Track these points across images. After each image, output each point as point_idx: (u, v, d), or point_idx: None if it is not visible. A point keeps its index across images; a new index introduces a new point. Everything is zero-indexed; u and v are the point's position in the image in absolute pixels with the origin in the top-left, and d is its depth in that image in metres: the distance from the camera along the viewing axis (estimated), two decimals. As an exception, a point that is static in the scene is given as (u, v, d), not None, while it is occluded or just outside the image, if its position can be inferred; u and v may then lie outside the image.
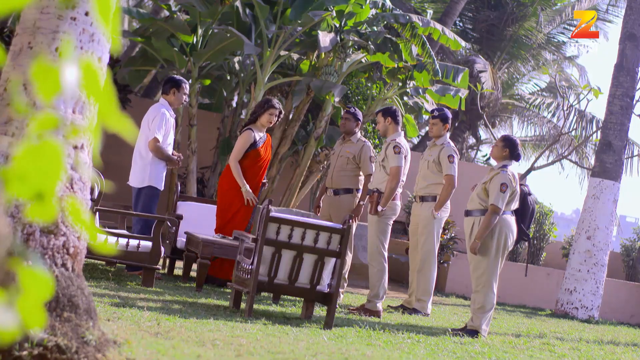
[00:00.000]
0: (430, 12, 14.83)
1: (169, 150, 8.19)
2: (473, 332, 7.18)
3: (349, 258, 8.46)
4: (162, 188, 8.25)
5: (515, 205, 7.32)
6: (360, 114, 8.73)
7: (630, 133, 13.16)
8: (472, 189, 7.67)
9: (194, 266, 8.27)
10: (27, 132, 3.76)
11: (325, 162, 12.64)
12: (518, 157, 7.41)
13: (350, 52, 12.42)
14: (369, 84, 13.09)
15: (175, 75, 8.69)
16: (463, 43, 12.34)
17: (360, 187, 8.38)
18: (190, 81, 11.80)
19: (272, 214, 6.45)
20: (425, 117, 13.30)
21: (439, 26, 12.05)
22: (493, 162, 8.36)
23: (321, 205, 8.69)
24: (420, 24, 11.76)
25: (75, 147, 3.90)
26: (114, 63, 12.22)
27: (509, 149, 7.35)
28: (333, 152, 8.71)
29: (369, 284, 7.94)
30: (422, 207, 8.53)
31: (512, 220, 7.28)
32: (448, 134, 8.71)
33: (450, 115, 8.77)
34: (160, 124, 7.98)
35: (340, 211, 8.21)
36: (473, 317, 7.27)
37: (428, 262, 8.49)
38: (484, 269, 7.21)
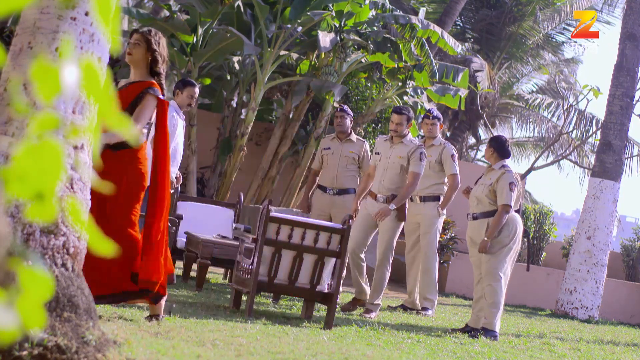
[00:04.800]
0: (423, 9, 14.75)
1: (179, 150, 8.19)
2: (488, 331, 7.16)
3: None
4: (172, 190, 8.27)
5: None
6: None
7: (630, 133, 13.17)
8: (464, 192, 7.67)
9: (194, 266, 8.26)
10: (27, 132, 3.76)
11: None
12: (509, 154, 7.60)
13: (350, 52, 12.42)
14: (369, 84, 13.10)
15: (187, 78, 8.70)
16: (459, 49, 12.36)
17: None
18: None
19: (272, 214, 6.45)
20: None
21: (438, 29, 12.05)
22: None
23: (313, 204, 8.58)
24: (420, 26, 11.76)
25: (75, 147, 3.90)
26: (114, 63, 12.22)
27: (501, 149, 7.47)
28: (329, 152, 8.58)
29: (371, 287, 7.84)
30: (424, 207, 8.55)
31: (518, 216, 7.46)
32: (440, 134, 8.85)
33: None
34: None
35: (345, 211, 8.14)
36: (486, 314, 7.23)
37: (433, 260, 8.57)
38: (496, 264, 7.24)
